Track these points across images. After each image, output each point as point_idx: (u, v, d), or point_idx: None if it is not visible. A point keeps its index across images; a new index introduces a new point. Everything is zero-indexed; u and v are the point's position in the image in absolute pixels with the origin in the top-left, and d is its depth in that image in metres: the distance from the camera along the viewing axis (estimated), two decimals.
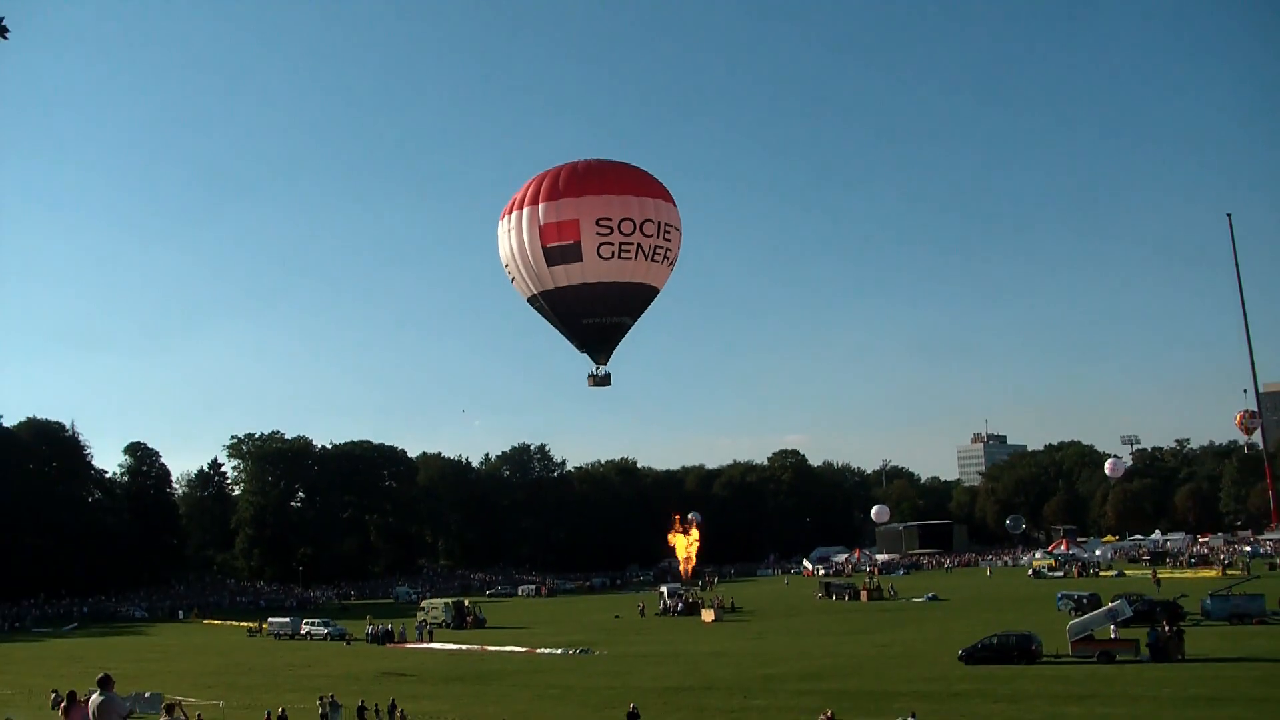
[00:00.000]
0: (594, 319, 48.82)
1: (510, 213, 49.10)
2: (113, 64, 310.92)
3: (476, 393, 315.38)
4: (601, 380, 49.94)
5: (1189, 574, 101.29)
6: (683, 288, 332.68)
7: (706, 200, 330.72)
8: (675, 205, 50.06)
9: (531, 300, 49.93)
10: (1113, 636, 51.99)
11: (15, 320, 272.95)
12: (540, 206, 47.46)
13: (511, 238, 48.67)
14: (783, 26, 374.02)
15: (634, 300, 49.36)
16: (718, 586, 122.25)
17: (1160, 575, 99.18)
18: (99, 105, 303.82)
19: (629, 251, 47.00)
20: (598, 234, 46.53)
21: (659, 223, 47.99)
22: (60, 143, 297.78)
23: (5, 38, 8.42)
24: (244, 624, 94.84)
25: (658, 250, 48.08)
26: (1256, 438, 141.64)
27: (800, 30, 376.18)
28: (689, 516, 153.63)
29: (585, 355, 50.44)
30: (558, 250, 46.94)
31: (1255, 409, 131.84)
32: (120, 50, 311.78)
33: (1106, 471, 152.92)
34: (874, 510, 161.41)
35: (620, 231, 46.72)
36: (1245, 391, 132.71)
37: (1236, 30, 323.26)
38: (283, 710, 39.57)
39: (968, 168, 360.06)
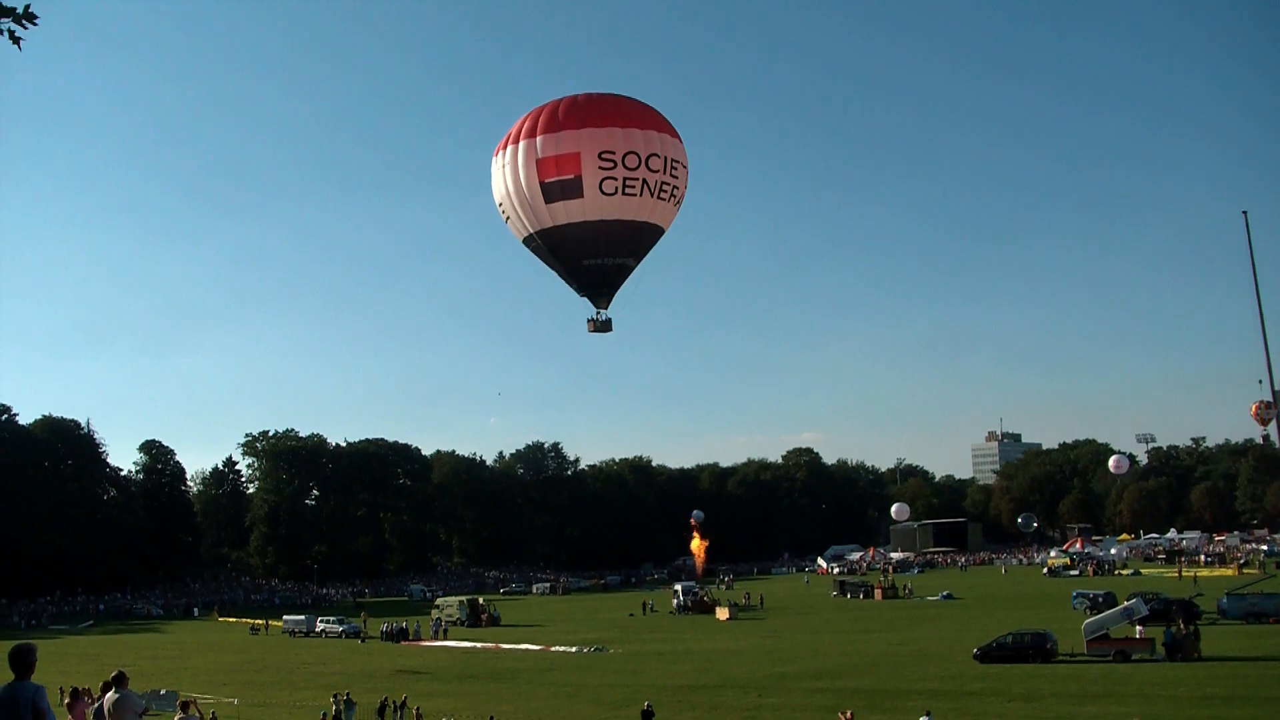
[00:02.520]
0: (595, 260, 45.96)
1: (505, 147, 46.11)
2: (127, 62, 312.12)
3: (490, 391, 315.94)
4: (602, 326, 47.21)
5: (1205, 572, 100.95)
6: (697, 285, 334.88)
7: (721, 196, 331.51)
8: (681, 141, 47.32)
9: (527, 240, 47.23)
10: (1138, 635, 51.78)
11: (31, 318, 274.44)
12: (538, 139, 44.46)
13: (506, 174, 45.78)
14: (801, 13, 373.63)
15: (638, 240, 46.52)
16: (737, 585, 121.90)
17: (1164, 575, 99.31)
18: (111, 102, 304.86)
19: (633, 187, 44.15)
20: (600, 168, 43.67)
21: (665, 158, 45.18)
22: (74, 141, 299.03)
23: (34, 24, 8.30)
24: (256, 622, 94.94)
25: (664, 187, 45.24)
26: (1273, 434, 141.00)
27: (824, 20, 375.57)
28: (693, 515, 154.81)
29: (585, 300, 47.56)
30: (557, 185, 44.15)
31: (1270, 399, 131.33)
32: (135, 48, 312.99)
33: (1111, 468, 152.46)
34: (894, 508, 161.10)
35: (624, 166, 43.88)
36: (1261, 383, 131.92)
37: (1253, 27, 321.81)
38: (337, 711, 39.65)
39: (983, 165, 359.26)
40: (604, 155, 43.74)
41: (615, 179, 43.85)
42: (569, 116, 44.39)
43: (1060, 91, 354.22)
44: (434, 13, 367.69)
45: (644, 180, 44.30)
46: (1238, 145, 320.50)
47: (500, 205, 47.12)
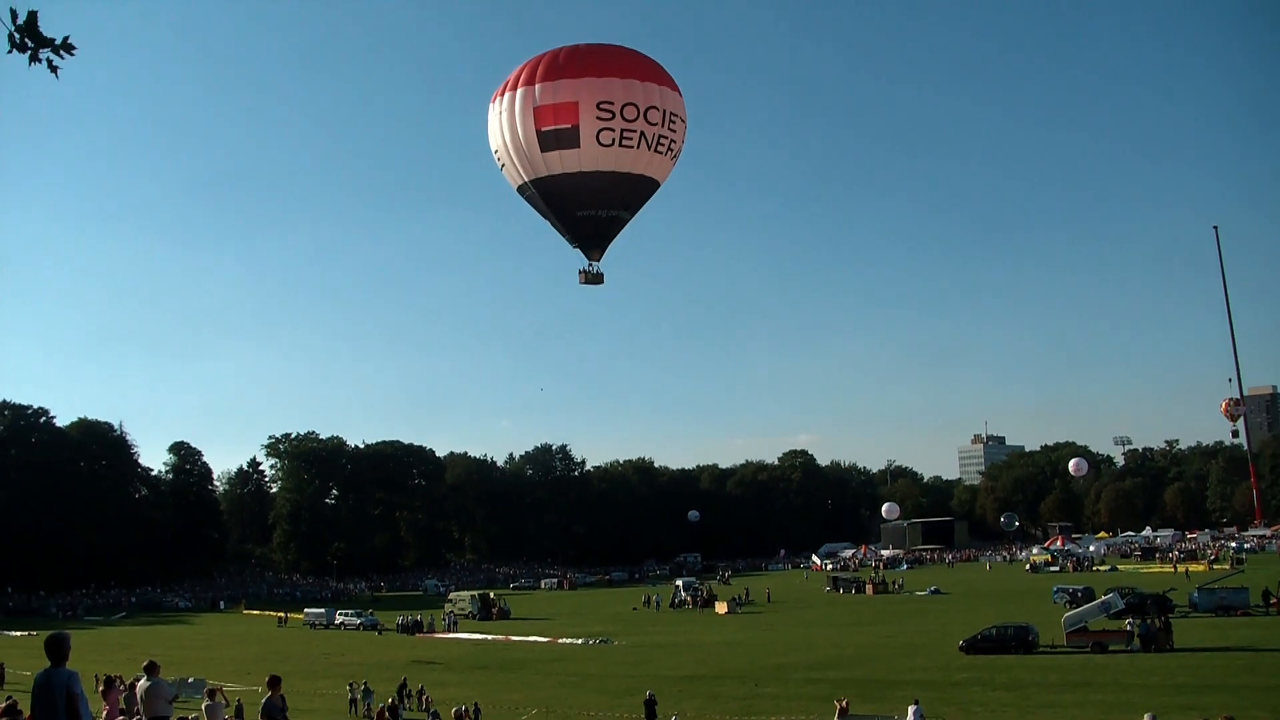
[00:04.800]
0: (590, 211, 43.67)
1: (503, 94, 43.55)
2: (163, 81, 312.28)
3: (501, 396, 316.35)
4: (594, 278, 44.93)
5: (1194, 568, 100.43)
6: (697, 294, 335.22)
7: (719, 206, 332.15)
8: (681, 95, 44.83)
9: (522, 189, 44.78)
10: (1128, 626, 51.54)
11: (67, 325, 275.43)
12: (536, 87, 42.09)
13: (503, 121, 43.31)
14: (791, 32, 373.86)
15: (633, 193, 44.28)
16: (734, 580, 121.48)
17: (1150, 570, 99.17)
18: (145, 120, 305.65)
19: (630, 139, 41.84)
20: (598, 118, 41.33)
21: (664, 110, 42.79)
22: (108, 156, 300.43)
23: (72, 54, 8.35)
24: (280, 614, 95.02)
25: (661, 140, 42.84)
26: (1241, 438, 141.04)
27: (811, 38, 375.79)
28: (689, 515, 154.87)
29: (578, 252, 45.16)
30: (553, 134, 41.78)
31: (1239, 396, 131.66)
32: (169, 58, 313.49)
33: (1071, 471, 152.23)
34: (885, 508, 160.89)
35: (622, 117, 41.52)
36: (1230, 381, 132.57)
37: (1223, 47, 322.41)
38: (391, 701, 39.61)
39: (967, 177, 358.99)
40: (602, 105, 41.58)
41: (613, 130, 41.65)
42: (569, 65, 42.26)
43: (1042, 108, 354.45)
44: (453, 30, 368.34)
45: (641, 133, 42.19)
46: (1212, 157, 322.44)
47: (496, 153, 44.81)
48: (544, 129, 41.96)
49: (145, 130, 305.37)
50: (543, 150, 42.36)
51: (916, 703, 33.00)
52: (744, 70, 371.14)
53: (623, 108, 41.63)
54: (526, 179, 43.79)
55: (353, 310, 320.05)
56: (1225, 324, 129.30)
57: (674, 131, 43.69)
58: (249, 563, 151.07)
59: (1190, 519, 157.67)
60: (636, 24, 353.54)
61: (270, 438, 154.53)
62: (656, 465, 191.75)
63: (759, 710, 39.38)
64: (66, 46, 8.19)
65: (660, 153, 43.32)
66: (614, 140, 41.71)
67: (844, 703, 31.94)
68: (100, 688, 24.77)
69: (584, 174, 42.40)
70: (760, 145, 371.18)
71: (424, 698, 40.24)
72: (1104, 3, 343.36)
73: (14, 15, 8.01)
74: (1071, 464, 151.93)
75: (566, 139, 41.74)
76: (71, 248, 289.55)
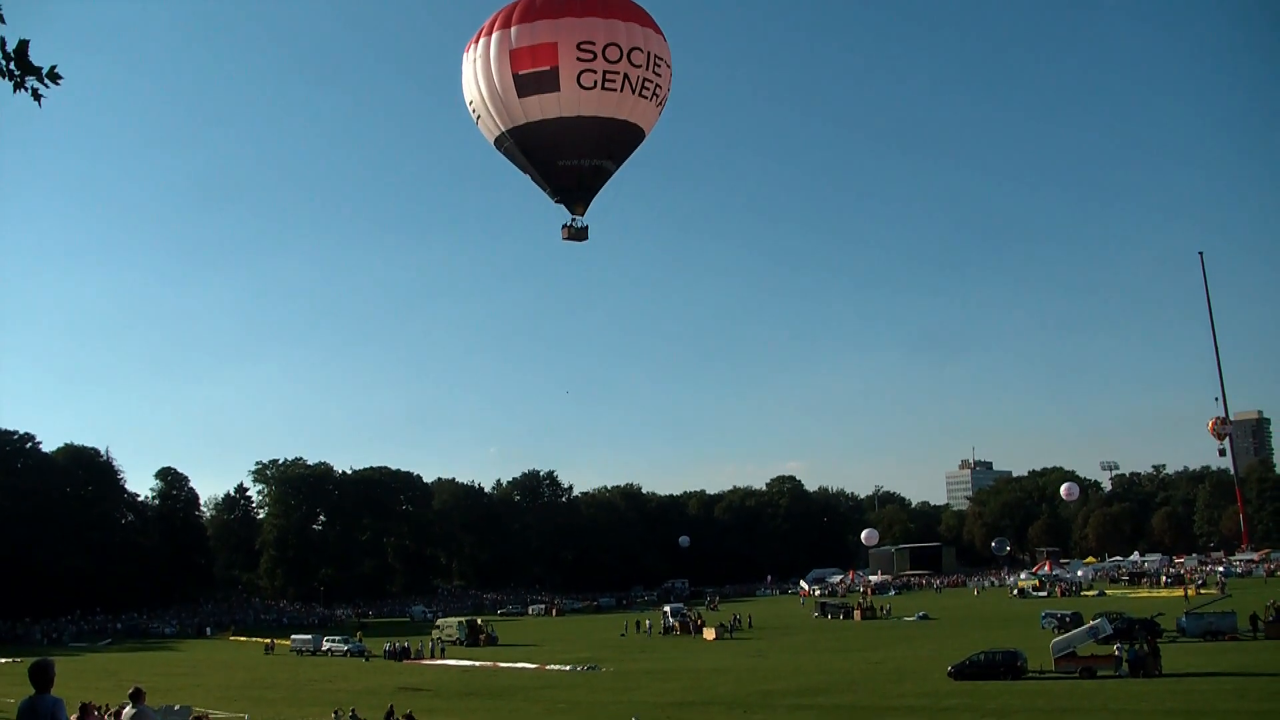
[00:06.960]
0: (572, 160, 41.10)
1: (477, 41, 41.10)
2: (154, 101, 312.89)
3: (489, 422, 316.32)
4: (578, 234, 42.33)
5: (1165, 593, 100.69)
6: (685, 322, 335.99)
7: (705, 235, 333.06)
8: (666, 41, 42.27)
9: (499, 141, 42.08)
10: (1116, 651, 51.49)
11: (55, 352, 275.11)
12: (512, 29, 39.73)
13: (478, 68, 40.85)
14: (780, 37, 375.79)
15: (618, 141, 41.73)
16: (722, 606, 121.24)
17: (1140, 595, 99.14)
18: (134, 140, 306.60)
19: (614, 82, 39.41)
20: (579, 59, 38.94)
21: (649, 53, 40.38)
22: (99, 175, 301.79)
23: (58, 83, 8.34)
24: (267, 640, 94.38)
25: (646, 84, 40.46)
26: (1228, 459, 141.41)
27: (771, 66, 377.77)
28: (679, 541, 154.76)
29: (561, 207, 42.83)
30: (531, 78, 39.32)
31: (1224, 415, 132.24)
32: (154, 101, 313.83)
33: (1063, 495, 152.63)
34: (864, 534, 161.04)
35: (605, 58, 39.14)
36: (1216, 400, 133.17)
37: (1209, 77, 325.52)
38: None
39: (957, 208, 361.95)
40: (583, 46, 39.08)
41: (594, 72, 39.25)
42: (546, 6, 39.80)
43: (1034, 142, 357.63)
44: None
45: (625, 75, 39.66)
46: (1196, 189, 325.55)
47: (471, 104, 42.30)
48: (521, 73, 39.69)
49: (131, 157, 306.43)
50: (520, 96, 40.03)
51: None
52: (738, 77, 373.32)
53: (605, 48, 39.42)
54: (504, 128, 41.49)
55: (340, 336, 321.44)
56: (1211, 350, 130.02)
57: (659, 76, 41.55)
58: (236, 589, 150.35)
59: (1178, 543, 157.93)
60: None
61: (257, 463, 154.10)
62: (644, 491, 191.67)
63: None
64: (53, 76, 8.18)
65: (645, 97, 41.12)
66: (596, 83, 39.48)
67: None
68: (75, 716, 24.59)
69: (565, 119, 40.12)
70: (745, 172, 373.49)
71: None
72: (1070, 32, 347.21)
73: (3, 43, 8.01)
74: (1064, 488, 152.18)
75: (545, 82, 39.48)
76: (58, 272, 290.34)
